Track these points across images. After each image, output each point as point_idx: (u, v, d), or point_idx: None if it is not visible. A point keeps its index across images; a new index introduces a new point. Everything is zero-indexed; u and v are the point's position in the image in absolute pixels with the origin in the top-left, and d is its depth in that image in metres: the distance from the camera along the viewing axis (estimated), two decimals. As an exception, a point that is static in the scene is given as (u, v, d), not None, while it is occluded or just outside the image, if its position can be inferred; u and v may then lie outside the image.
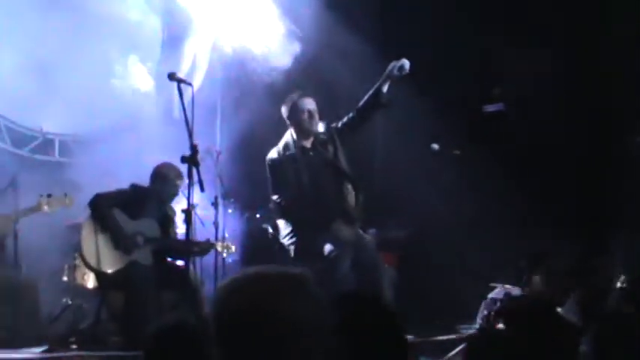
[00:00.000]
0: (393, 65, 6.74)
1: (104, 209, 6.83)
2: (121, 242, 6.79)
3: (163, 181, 7.06)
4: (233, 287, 2.06)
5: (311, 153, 6.86)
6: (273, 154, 6.88)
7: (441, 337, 6.69)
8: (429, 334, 6.78)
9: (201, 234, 7.56)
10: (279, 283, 2.04)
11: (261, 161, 7.08)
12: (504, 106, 9.51)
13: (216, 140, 8.30)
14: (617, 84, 9.21)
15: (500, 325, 5.10)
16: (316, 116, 6.83)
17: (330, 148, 6.90)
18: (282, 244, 6.80)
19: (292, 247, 6.72)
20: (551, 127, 9.18)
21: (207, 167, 7.51)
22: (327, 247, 6.52)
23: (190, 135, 6.11)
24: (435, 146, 7.87)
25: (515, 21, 9.19)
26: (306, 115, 6.79)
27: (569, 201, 8.90)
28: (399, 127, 8.44)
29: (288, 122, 6.91)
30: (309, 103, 6.83)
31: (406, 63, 6.73)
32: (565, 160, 9.12)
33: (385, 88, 6.78)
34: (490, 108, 9.50)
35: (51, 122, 8.60)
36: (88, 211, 6.89)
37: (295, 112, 6.82)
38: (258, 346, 1.99)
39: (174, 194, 7.15)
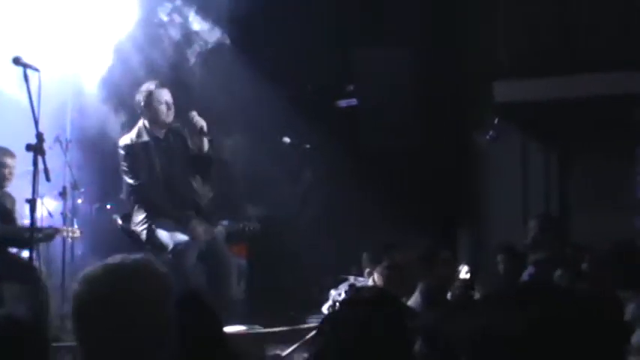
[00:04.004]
0: None
1: None
2: None
3: None
4: (93, 276, 2.21)
5: (163, 143, 6.86)
6: (125, 140, 6.83)
7: (288, 328, 6.77)
8: (277, 325, 6.86)
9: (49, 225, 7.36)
10: (132, 269, 2.21)
11: (112, 151, 6.99)
12: (358, 101, 9.70)
13: (66, 129, 8.09)
14: (470, 82, 9.55)
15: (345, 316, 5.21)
16: (172, 108, 6.81)
17: (182, 139, 6.91)
18: (131, 234, 6.76)
19: (142, 236, 6.69)
20: (403, 122, 9.43)
21: (56, 156, 7.34)
22: (176, 238, 6.51)
23: (36, 123, 5.94)
24: (287, 139, 7.97)
25: (371, 19, 9.38)
26: (164, 106, 6.78)
27: (417, 196, 9.16)
28: (252, 119, 8.49)
29: (142, 111, 6.85)
30: (166, 94, 6.83)
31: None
32: (416, 157, 9.38)
33: None
34: (343, 103, 9.68)
35: None
36: None
37: (152, 101, 6.79)
38: (116, 324, 2.14)
39: (8, 175, 6.91)
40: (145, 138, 6.78)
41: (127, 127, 7.21)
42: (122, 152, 6.79)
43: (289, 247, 8.51)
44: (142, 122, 6.85)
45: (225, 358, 3.07)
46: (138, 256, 2.28)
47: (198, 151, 6.82)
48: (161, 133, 6.87)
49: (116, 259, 2.25)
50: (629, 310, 4.54)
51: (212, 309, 3.00)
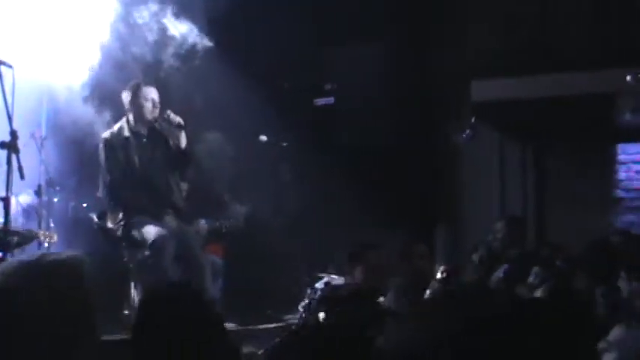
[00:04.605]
0: None
1: None
2: None
3: None
4: (8, 268, 2.18)
5: (144, 140, 6.89)
6: (106, 134, 6.90)
7: (264, 326, 6.78)
8: (254, 323, 6.86)
9: (24, 224, 7.29)
10: (51, 266, 2.15)
11: (88, 149, 6.98)
12: (335, 100, 9.71)
13: (41, 126, 8.03)
14: (447, 82, 9.57)
15: (321, 314, 5.21)
16: (158, 106, 6.85)
17: (163, 138, 6.92)
18: (108, 231, 6.75)
19: (119, 234, 6.68)
20: (381, 121, 9.44)
21: (31, 154, 7.28)
22: (153, 236, 6.50)
23: (10, 120, 5.88)
24: (264, 137, 7.96)
25: (348, 18, 9.39)
26: (149, 103, 6.86)
27: (395, 195, 9.17)
28: (229, 118, 8.47)
29: (128, 107, 6.89)
30: (153, 92, 6.91)
31: None
32: (393, 156, 9.39)
33: None
34: (320, 101, 9.69)
35: None
36: None
37: (138, 98, 6.86)
38: (26, 317, 2.08)
39: None
40: (126, 134, 6.84)
41: (112, 123, 7.20)
42: (102, 146, 6.85)
43: (267, 246, 8.50)
44: (125, 118, 6.92)
45: (225, 351, 3.03)
46: (66, 254, 2.23)
47: (177, 147, 6.84)
48: (144, 130, 6.92)
49: (35, 254, 2.23)
50: (603, 307, 4.57)
51: (210, 302, 2.96)
